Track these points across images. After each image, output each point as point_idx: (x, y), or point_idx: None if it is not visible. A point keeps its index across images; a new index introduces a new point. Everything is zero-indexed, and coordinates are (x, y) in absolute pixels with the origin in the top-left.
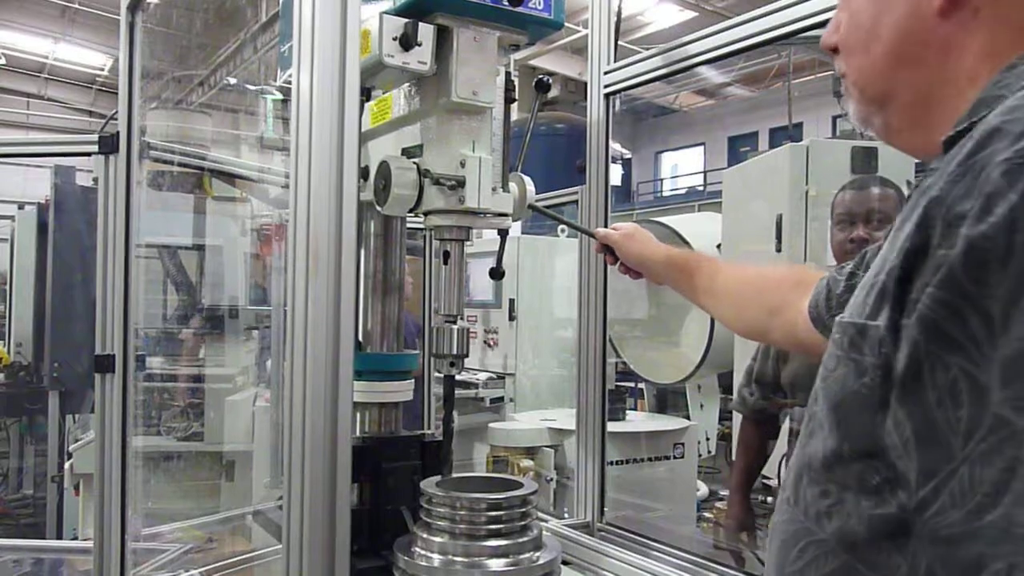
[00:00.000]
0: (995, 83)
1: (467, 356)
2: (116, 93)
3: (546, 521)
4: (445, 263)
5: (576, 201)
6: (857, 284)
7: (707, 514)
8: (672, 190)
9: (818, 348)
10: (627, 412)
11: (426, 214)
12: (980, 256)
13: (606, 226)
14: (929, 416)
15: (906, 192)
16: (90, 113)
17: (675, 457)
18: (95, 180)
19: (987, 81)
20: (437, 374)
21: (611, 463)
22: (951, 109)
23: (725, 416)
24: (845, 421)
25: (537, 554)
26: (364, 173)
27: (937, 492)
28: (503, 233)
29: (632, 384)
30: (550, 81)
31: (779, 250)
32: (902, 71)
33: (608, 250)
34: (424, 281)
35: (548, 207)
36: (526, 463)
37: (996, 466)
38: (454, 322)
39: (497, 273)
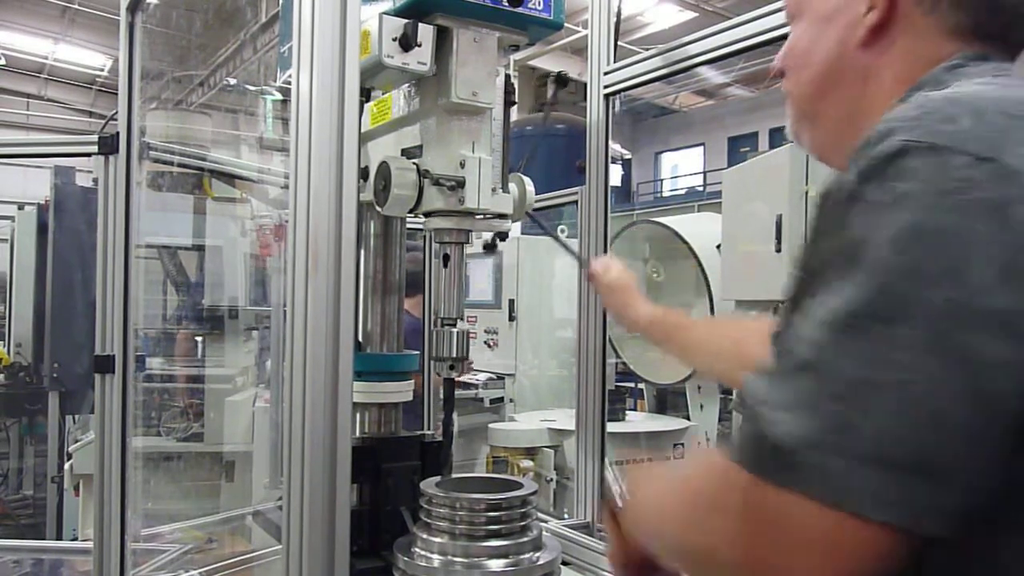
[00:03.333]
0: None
1: (467, 358)
2: (116, 93)
3: (546, 521)
4: (445, 266)
5: (576, 201)
6: None
7: None
8: (672, 190)
9: None
10: (627, 412)
11: (426, 216)
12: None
13: (606, 227)
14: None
15: None
16: (90, 113)
17: (675, 457)
18: (95, 181)
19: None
20: (438, 376)
21: (611, 464)
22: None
23: (725, 416)
24: None
25: (537, 554)
26: (364, 173)
27: None
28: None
29: (632, 384)
30: (567, 75)
31: (779, 250)
32: (829, 93)
33: None
34: (424, 282)
35: (548, 207)
36: (526, 463)
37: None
38: (454, 325)
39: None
